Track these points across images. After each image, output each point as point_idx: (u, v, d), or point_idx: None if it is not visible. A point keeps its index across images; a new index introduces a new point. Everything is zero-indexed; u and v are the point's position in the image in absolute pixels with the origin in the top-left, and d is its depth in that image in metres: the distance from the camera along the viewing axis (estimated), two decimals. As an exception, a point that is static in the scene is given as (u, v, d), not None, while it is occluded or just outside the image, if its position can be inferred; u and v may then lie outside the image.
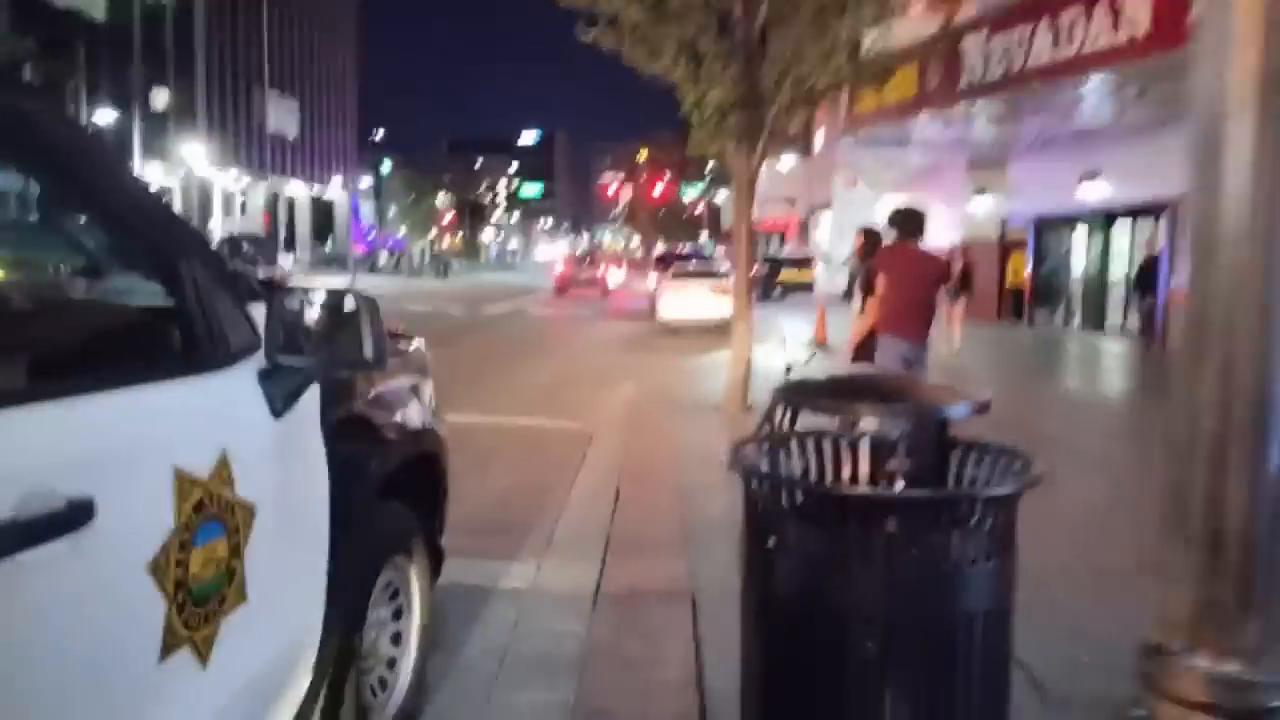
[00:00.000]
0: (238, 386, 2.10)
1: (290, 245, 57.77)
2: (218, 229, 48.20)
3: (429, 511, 3.41)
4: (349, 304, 2.22)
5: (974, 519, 2.20)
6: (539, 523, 5.60)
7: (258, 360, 2.16)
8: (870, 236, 6.68)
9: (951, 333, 9.58)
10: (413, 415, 3.26)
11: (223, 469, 1.93)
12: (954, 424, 2.53)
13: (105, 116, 35.82)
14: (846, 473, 2.68)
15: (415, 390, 3.33)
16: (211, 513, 1.88)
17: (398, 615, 3.13)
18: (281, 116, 56.50)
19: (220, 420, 2.01)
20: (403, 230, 71.17)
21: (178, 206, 45.33)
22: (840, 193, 35.47)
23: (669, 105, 9.46)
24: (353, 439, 2.74)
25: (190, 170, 44.96)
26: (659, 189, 68.25)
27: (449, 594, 4.20)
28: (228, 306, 2.16)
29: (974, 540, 2.22)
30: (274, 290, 2.22)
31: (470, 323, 22.63)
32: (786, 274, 31.00)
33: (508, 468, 7.15)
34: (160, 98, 42.64)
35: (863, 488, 2.41)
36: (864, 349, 6.41)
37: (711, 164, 52.20)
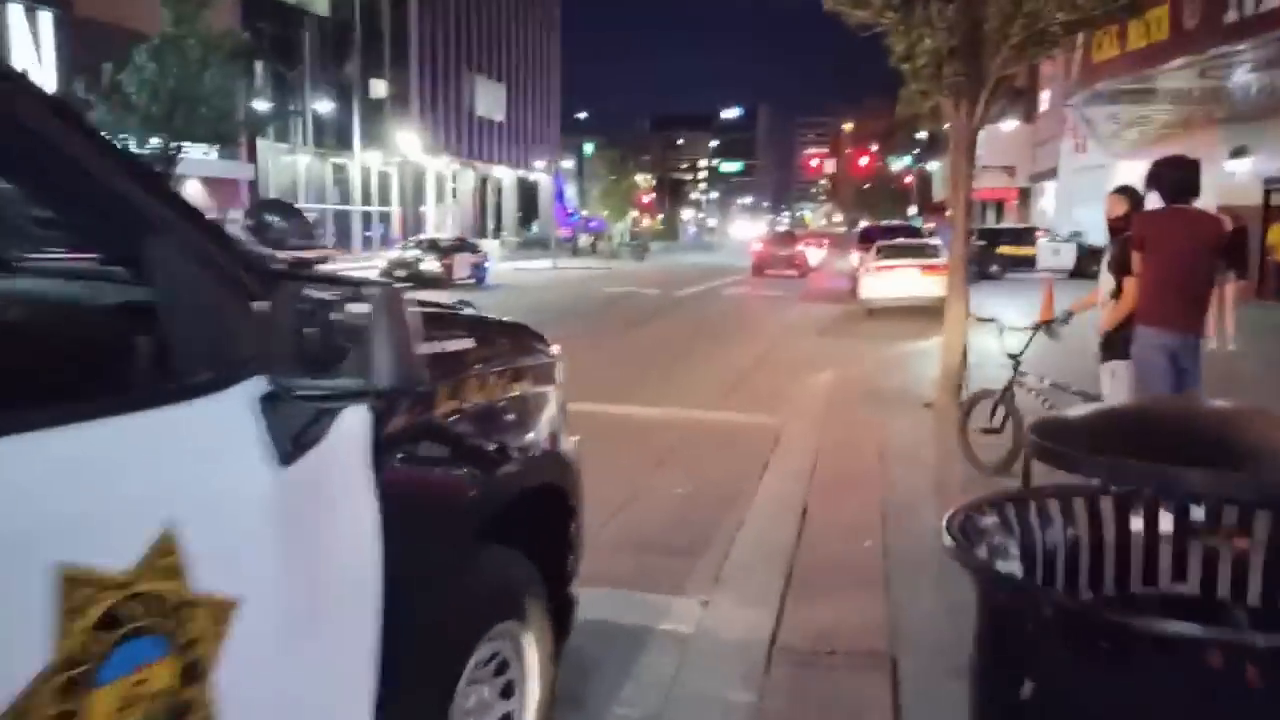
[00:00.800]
0: (215, 422, 1.45)
1: (497, 229, 59.71)
2: (430, 214, 50.32)
3: (553, 557, 2.72)
4: (360, 303, 1.52)
5: None
6: (713, 542, 4.85)
7: (258, 384, 1.51)
8: (1131, 200, 5.40)
9: (1225, 322, 7.76)
10: (530, 438, 2.57)
11: (162, 555, 1.29)
12: None
13: (325, 106, 37.92)
14: (1138, 553, 1.76)
15: (536, 406, 2.64)
16: (137, 625, 1.24)
17: (507, 693, 2.46)
18: (489, 101, 58.23)
19: (172, 477, 1.36)
20: (604, 212, 72.01)
21: (393, 192, 47.69)
22: (1067, 158, 32.49)
23: (875, 74, 8.39)
24: (430, 478, 2.08)
25: (405, 157, 47.08)
26: (863, 162, 65.50)
27: (598, 635, 3.55)
28: (222, 305, 1.52)
29: None
30: (284, 280, 1.56)
31: (664, 305, 22.14)
32: (1005, 248, 28.51)
33: (685, 470, 6.44)
34: (378, 87, 44.82)
35: (1199, 622, 1.46)
36: (1113, 342, 5.20)
37: (922, 133, 49.43)
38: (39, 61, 24.78)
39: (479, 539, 2.26)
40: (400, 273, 26.95)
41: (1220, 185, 18.67)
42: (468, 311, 2.77)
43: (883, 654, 3.47)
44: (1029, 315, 10.39)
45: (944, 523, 1.65)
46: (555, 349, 2.96)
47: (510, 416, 2.48)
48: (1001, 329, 6.16)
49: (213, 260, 1.54)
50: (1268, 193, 19.45)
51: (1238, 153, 19.59)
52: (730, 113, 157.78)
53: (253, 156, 32.26)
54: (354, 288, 1.54)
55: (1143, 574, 1.81)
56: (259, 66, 29.56)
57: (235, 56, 21.80)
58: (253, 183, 32.08)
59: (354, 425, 1.72)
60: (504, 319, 2.90)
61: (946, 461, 6.28)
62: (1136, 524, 1.81)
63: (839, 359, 11.35)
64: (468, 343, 2.36)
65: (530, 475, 2.57)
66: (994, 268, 26.33)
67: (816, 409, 8.27)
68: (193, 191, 27.80)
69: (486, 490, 2.30)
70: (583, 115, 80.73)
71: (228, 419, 1.47)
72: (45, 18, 25.46)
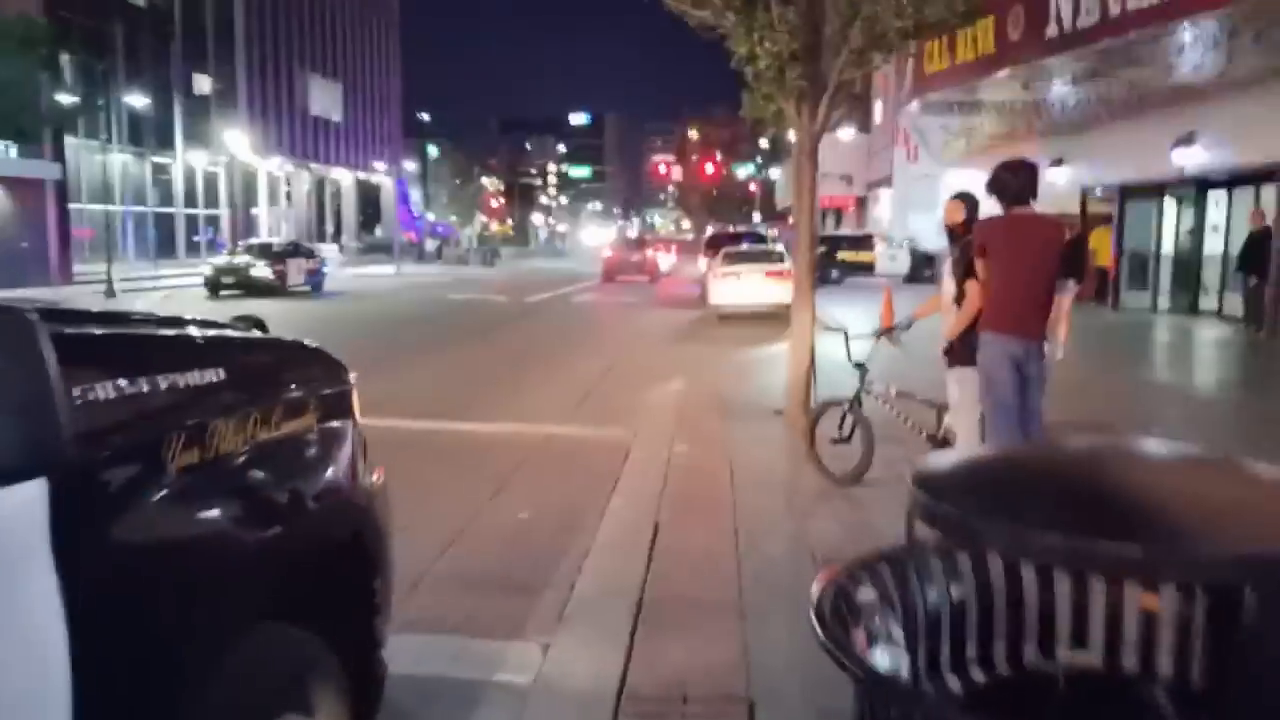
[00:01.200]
0: None
1: (337, 234, 57.36)
2: (263, 217, 47.80)
3: (353, 623, 2.26)
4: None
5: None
6: (556, 576, 4.45)
7: None
8: (969, 205, 5.35)
9: (1060, 328, 7.94)
10: (314, 485, 2.11)
11: None
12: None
13: (143, 102, 35.30)
14: (1032, 615, 1.49)
15: (323, 445, 2.19)
16: None
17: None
18: (324, 100, 55.80)
19: None
20: (451, 216, 70.46)
21: (222, 194, 45.10)
22: (901, 167, 33.83)
23: (720, 80, 8.20)
24: (155, 557, 1.59)
25: (233, 157, 44.49)
26: (710, 168, 66.47)
27: (422, 691, 3.12)
28: None
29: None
30: None
31: (512, 312, 21.59)
32: (844, 254, 29.36)
33: (528, 492, 6.02)
34: (201, 83, 42.24)
35: (1105, 703, 1.18)
36: (958, 349, 5.12)
37: (765, 141, 50.60)
38: None
39: (241, 620, 1.79)
40: (228, 279, 25.32)
41: (1043, 193, 19.73)
42: (239, 330, 2.28)
43: (740, 698, 3.17)
44: (871, 321, 10.51)
45: (812, 602, 1.32)
46: (349, 375, 2.49)
47: (285, 462, 2.01)
48: (846, 336, 6.05)
49: None
50: (1083, 200, 20.68)
51: (1057, 163, 20.74)
52: (578, 118, 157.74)
53: (59, 155, 29.68)
54: None
55: (1039, 639, 1.55)
56: (65, 58, 27.07)
57: (31, 44, 19.81)
58: (60, 183, 29.49)
59: (12, 499, 1.25)
60: (286, 340, 2.42)
61: (798, 474, 6.10)
62: (1029, 579, 1.55)
63: (690, 366, 11.17)
64: (224, 374, 1.89)
65: (316, 531, 2.11)
66: (834, 273, 27.00)
67: (667, 420, 8.01)
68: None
69: (247, 560, 1.83)
70: (427, 117, 78.62)
71: None
72: None
